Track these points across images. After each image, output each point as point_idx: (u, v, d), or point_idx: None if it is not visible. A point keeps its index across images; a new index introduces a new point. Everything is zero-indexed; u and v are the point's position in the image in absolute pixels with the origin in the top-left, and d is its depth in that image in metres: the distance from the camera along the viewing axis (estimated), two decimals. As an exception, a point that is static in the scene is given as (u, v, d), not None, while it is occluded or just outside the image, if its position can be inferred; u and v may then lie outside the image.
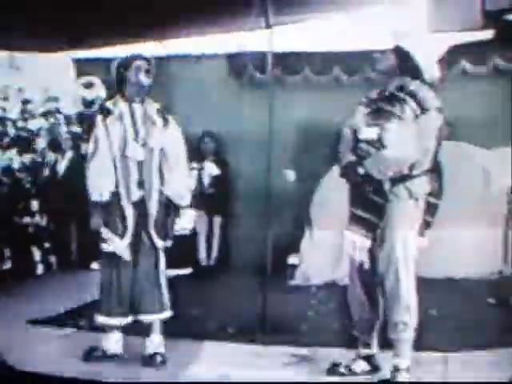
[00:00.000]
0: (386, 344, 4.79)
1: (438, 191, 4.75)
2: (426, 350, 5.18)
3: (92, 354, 5.23)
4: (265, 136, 6.33)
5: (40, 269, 8.80)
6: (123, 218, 5.12)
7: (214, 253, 9.19)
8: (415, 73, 4.72)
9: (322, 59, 8.67)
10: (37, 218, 8.92)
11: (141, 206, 5.14)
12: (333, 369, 4.91)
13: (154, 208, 5.16)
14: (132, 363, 5.15)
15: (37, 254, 8.84)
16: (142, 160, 5.12)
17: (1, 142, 9.37)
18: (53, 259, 8.96)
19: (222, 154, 9.27)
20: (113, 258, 5.14)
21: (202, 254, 9.16)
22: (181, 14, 6.89)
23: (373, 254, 4.75)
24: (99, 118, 5.17)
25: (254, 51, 8.34)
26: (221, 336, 5.83)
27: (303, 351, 5.34)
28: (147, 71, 5.18)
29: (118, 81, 5.25)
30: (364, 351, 4.92)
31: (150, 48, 9.07)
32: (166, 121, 5.23)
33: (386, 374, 4.78)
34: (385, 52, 4.79)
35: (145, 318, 5.20)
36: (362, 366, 4.90)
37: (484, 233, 7.74)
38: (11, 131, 9.55)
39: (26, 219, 8.86)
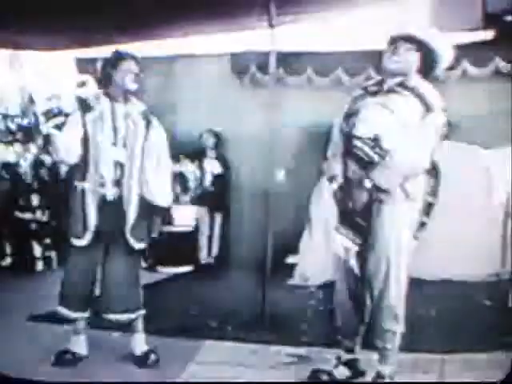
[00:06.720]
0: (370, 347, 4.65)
1: (434, 190, 4.52)
2: (423, 351, 5.19)
3: (62, 358, 5.06)
4: (265, 135, 6.36)
5: (40, 265, 8.80)
6: (84, 218, 4.96)
7: (215, 250, 9.25)
8: (426, 69, 4.43)
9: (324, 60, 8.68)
10: (38, 214, 8.92)
11: (116, 206, 4.98)
12: (314, 375, 4.69)
13: (131, 210, 5.00)
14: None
15: (37, 250, 8.84)
16: (121, 160, 4.96)
17: (3, 138, 9.36)
18: (53, 255, 8.95)
19: (222, 151, 9.31)
20: (78, 253, 5.03)
21: (203, 251, 9.21)
22: (184, 13, 6.91)
23: (362, 258, 4.50)
24: (78, 113, 4.98)
25: (257, 51, 8.32)
26: (220, 334, 5.83)
27: (301, 351, 5.33)
28: (136, 75, 4.99)
29: (103, 79, 5.05)
30: (346, 356, 4.70)
31: (154, 48, 9.13)
32: (148, 122, 5.05)
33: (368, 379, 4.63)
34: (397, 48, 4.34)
35: (120, 317, 5.08)
36: (343, 371, 4.67)
37: (482, 235, 7.74)
38: (12, 127, 9.55)
39: (27, 215, 8.86)
